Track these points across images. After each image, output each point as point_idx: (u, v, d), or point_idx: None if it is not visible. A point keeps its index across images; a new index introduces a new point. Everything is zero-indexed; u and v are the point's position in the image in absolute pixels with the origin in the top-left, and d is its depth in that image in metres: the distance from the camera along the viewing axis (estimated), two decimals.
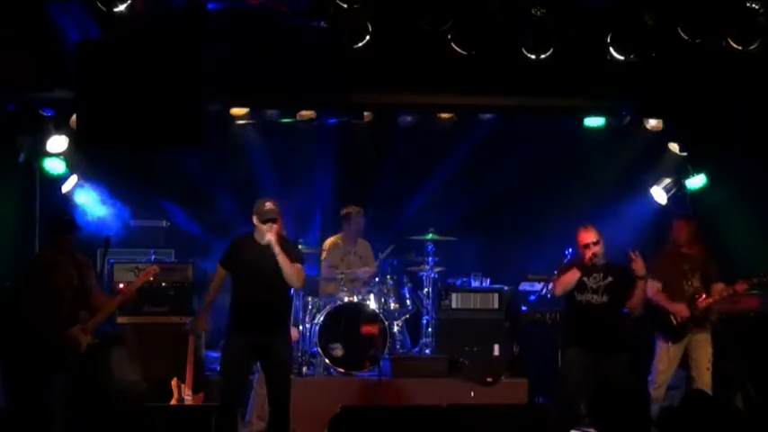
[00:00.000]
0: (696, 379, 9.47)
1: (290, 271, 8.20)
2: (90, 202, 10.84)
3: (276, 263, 8.17)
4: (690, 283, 9.54)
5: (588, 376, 8.67)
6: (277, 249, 8.14)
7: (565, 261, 9.27)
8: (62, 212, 9.26)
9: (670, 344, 9.49)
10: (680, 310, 9.44)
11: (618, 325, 8.77)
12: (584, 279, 8.70)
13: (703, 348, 9.51)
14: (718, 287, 9.51)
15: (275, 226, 8.21)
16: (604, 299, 8.67)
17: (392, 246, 10.89)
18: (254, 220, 8.29)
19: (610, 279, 8.70)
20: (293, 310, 10.04)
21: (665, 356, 9.50)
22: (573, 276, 8.72)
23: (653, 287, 9.18)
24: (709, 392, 9.31)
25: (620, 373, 8.66)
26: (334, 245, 11.13)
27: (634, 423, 8.79)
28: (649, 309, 9.23)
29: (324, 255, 11.07)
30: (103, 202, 10.97)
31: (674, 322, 9.47)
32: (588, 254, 8.67)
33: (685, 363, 9.58)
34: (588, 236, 8.73)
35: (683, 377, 9.69)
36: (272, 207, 8.24)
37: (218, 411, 8.27)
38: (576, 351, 8.66)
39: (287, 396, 8.36)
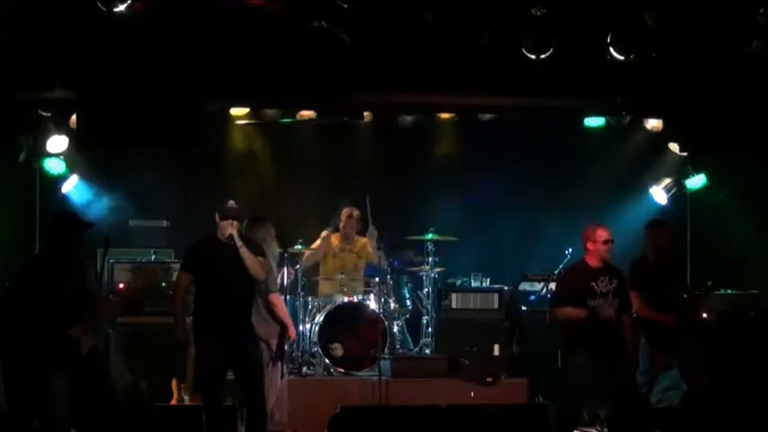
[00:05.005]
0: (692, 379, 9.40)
1: (253, 261, 8.25)
2: (89, 202, 10.85)
3: (240, 260, 8.21)
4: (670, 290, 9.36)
5: (594, 380, 8.66)
6: (239, 242, 8.21)
7: (562, 266, 9.23)
8: (68, 210, 9.24)
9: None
10: (668, 319, 9.20)
11: (623, 328, 8.76)
12: (593, 284, 8.67)
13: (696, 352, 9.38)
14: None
15: (236, 223, 8.25)
16: (615, 303, 8.66)
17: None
18: (217, 217, 8.32)
19: (616, 282, 8.69)
20: (292, 310, 10.04)
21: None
22: (578, 314, 8.63)
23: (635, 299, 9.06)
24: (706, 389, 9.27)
25: (624, 375, 8.66)
26: (326, 239, 11.07)
27: (635, 424, 8.78)
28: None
29: (314, 243, 11.03)
30: (103, 202, 10.97)
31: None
32: (603, 250, 8.66)
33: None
34: (606, 233, 8.67)
35: (681, 377, 9.66)
36: (234, 206, 8.35)
37: (207, 411, 8.23)
38: (584, 355, 8.60)
39: (262, 393, 8.36)
